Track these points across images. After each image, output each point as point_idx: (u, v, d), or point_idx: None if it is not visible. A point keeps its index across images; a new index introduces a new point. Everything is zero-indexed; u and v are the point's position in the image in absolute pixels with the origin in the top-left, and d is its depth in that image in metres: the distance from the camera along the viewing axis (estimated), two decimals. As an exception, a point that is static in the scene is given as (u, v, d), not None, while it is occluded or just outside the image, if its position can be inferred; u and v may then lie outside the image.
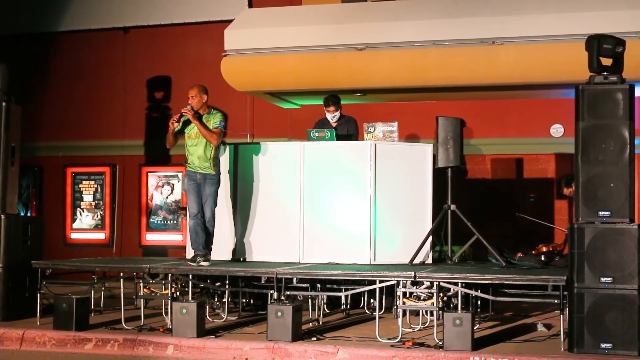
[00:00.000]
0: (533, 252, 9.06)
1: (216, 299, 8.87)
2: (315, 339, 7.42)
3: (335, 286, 8.23)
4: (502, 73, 10.15)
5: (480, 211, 10.77)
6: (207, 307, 8.37)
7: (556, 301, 7.04)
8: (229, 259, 9.04)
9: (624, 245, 6.73)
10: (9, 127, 8.80)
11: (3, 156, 8.71)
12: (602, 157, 6.87)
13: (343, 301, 8.90)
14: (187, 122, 8.51)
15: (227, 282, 8.40)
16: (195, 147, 8.47)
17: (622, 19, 9.55)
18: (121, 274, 8.68)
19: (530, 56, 9.97)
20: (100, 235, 13.29)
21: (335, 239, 8.75)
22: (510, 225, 10.05)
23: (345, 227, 8.76)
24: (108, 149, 13.34)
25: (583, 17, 9.76)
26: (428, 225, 8.78)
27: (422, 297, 7.40)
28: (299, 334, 7.44)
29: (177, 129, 8.52)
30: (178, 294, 8.05)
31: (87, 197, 13.40)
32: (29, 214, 13.35)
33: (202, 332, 7.66)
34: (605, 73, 6.99)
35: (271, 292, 7.72)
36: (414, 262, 8.53)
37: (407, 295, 7.40)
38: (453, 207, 8.66)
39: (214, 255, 8.73)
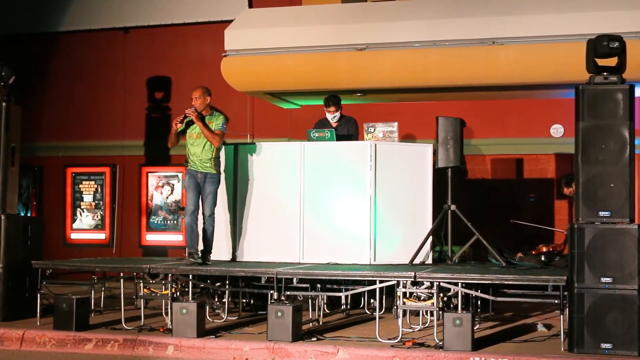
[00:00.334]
0: (533, 252, 9.06)
1: (216, 299, 8.87)
2: (315, 339, 7.42)
3: (335, 286, 8.23)
4: (502, 73, 10.14)
5: (480, 211, 10.77)
6: (207, 307, 8.37)
7: (556, 301, 7.04)
8: (229, 259, 9.05)
9: (624, 245, 6.73)
10: (9, 127, 8.80)
11: (3, 156, 8.71)
12: (602, 157, 6.88)
13: (343, 301, 8.90)
14: (189, 123, 8.56)
15: (227, 282, 8.40)
16: (197, 147, 8.52)
17: (622, 19, 9.55)
18: (121, 274, 8.68)
19: (530, 56, 9.96)
20: (100, 236, 13.29)
21: (335, 239, 8.76)
22: (510, 226, 10.04)
23: (345, 227, 8.76)
24: (108, 149, 13.34)
25: (583, 17, 9.76)
26: (428, 225, 8.78)
27: (422, 298, 7.40)
28: (299, 334, 7.44)
29: (179, 129, 8.56)
30: (178, 294, 8.05)
31: (87, 197, 13.40)
32: (29, 214, 13.35)
33: (202, 332, 7.66)
34: (605, 73, 7.00)
35: (271, 292, 7.72)
36: (414, 262, 8.53)
37: (407, 296, 7.40)
38: (453, 207, 8.67)
39: (214, 255, 8.73)
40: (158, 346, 7.49)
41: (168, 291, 7.96)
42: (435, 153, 8.87)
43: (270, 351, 7.19)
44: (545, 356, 6.66)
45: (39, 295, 8.38)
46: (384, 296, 8.19)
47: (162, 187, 13.01)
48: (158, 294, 8.09)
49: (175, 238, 12.79)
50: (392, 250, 8.74)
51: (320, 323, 8.36)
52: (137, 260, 9.78)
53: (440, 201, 8.79)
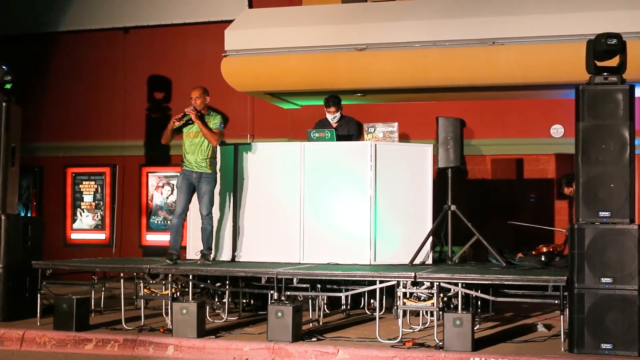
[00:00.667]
0: (533, 252, 9.06)
1: (216, 299, 8.87)
2: (315, 339, 7.42)
3: (335, 286, 8.23)
4: (503, 73, 10.14)
5: (481, 211, 10.78)
6: (208, 307, 8.37)
7: (556, 301, 7.04)
8: (229, 259, 9.05)
9: (624, 245, 6.73)
10: (9, 127, 8.80)
11: (3, 156, 8.71)
12: (602, 157, 6.88)
13: (343, 301, 8.90)
14: (186, 122, 8.62)
15: (227, 282, 8.40)
16: (193, 146, 8.59)
17: (622, 19, 9.54)
18: (121, 274, 8.68)
19: (531, 56, 9.96)
20: (101, 236, 13.29)
21: (336, 239, 8.76)
22: (510, 226, 10.04)
23: (345, 227, 8.77)
24: (108, 149, 13.33)
25: (583, 17, 9.76)
26: (428, 225, 8.78)
27: (422, 298, 7.40)
28: (299, 335, 7.43)
29: (175, 127, 8.60)
30: (178, 294, 8.05)
31: (87, 198, 13.40)
32: (29, 215, 13.35)
33: (203, 332, 7.66)
34: (605, 73, 7.00)
35: (271, 292, 7.72)
36: (414, 262, 8.53)
37: (408, 296, 7.40)
38: (453, 207, 8.67)
39: (214, 255, 8.73)
40: (158, 346, 7.49)
41: (168, 291, 7.96)
42: (435, 154, 8.88)
43: (270, 351, 7.19)
44: (545, 356, 6.66)
45: (39, 295, 8.38)
46: (384, 296, 8.18)
47: (162, 187, 13.01)
48: (158, 294, 8.09)
49: (175, 238, 12.76)
50: (392, 251, 8.73)
51: (321, 323, 8.36)
52: (137, 260, 9.78)
53: (440, 201, 8.79)
